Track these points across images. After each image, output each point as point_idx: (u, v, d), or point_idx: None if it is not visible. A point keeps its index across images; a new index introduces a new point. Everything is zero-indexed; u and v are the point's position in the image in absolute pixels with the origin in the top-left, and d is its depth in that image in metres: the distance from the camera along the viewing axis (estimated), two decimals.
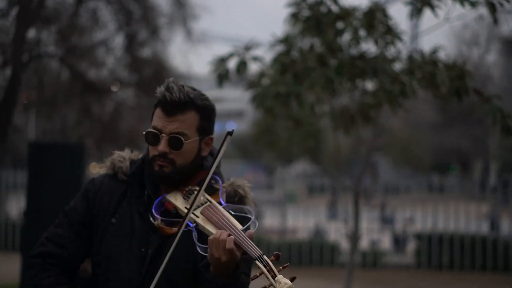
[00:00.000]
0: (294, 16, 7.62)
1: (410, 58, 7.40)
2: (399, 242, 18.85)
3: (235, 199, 2.97)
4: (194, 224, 2.82)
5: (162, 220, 2.89)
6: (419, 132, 42.91)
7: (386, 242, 17.87)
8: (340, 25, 7.35)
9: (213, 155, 3.02)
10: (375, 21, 7.33)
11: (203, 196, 2.87)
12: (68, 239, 2.99)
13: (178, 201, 2.91)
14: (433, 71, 7.15)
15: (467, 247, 15.91)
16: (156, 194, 2.97)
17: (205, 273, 2.76)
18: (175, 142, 2.93)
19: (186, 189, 2.93)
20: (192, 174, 2.98)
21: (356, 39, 7.47)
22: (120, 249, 2.92)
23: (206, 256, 2.76)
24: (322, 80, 7.29)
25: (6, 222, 18.11)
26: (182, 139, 2.93)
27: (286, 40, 7.76)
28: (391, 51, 7.54)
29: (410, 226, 19.31)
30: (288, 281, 2.58)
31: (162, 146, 2.94)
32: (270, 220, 17.99)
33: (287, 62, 7.50)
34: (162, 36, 24.42)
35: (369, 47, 7.61)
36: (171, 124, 2.95)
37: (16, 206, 20.70)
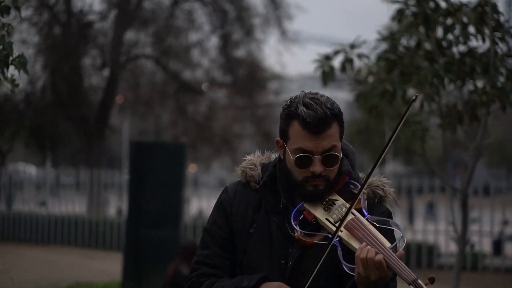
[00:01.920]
0: (401, 12, 7.46)
1: None
2: (499, 244, 18.43)
3: (375, 201, 2.88)
4: (338, 239, 2.71)
5: (302, 233, 2.80)
6: None
7: (484, 244, 17.47)
8: (449, 21, 7.17)
9: (350, 156, 2.95)
10: (486, 16, 7.12)
11: (345, 208, 2.77)
12: (217, 258, 2.94)
13: (317, 211, 2.81)
14: None
15: None
16: (292, 203, 2.88)
17: None
18: (332, 159, 2.82)
19: (326, 199, 2.83)
20: None
21: (465, 36, 7.27)
22: (261, 261, 2.87)
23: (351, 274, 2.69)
24: (431, 78, 7.13)
25: (104, 221, 18.40)
26: (338, 154, 2.84)
27: (392, 37, 7.62)
28: (502, 48, 7.32)
29: (507, 228, 18.85)
30: None
31: (318, 167, 2.81)
32: None
33: (393, 59, 7.35)
34: (257, 36, 24.54)
35: (478, 44, 7.40)
36: (322, 143, 2.82)
37: (113, 205, 21.06)
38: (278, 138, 2.93)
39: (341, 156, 2.88)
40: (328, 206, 2.82)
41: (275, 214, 2.89)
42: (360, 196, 2.79)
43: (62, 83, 21.71)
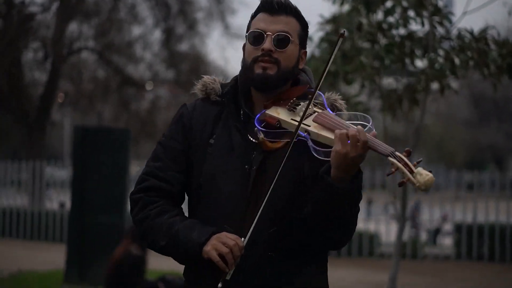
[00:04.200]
0: None
1: (460, 36, 7.36)
2: (434, 236, 18.86)
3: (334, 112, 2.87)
4: (306, 133, 2.72)
5: (266, 134, 2.78)
6: (452, 128, 42.67)
7: (423, 239, 17.85)
8: (389, 3, 7.35)
9: (307, 73, 2.96)
10: (425, 1, 7.32)
11: (310, 107, 2.78)
12: (169, 171, 2.89)
13: (281, 114, 2.81)
14: (484, 48, 7.11)
15: (508, 238, 15.79)
16: (252, 112, 2.88)
17: (327, 177, 2.67)
18: (282, 39, 2.85)
19: (291, 101, 2.83)
20: (287, 87, 2.90)
21: (405, 19, 7.47)
22: (223, 168, 2.83)
23: (313, 167, 2.73)
24: (372, 59, 7.31)
25: (47, 213, 18.30)
26: (289, 36, 2.86)
27: (334, 20, 7.78)
28: (440, 31, 7.54)
29: (445, 223, 19.30)
30: (429, 173, 2.50)
31: (268, 44, 2.83)
32: None
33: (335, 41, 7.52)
34: (200, 30, 24.60)
35: (418, 27, 7.60)
36: (276, 24, 2.87)
37: (56, 198, 20.94)
38: (243, 45, 2.95)
39: (298, 46, 2.89)
40: (293, 107, 2.82)
41: (237, 122, 2.87)
42: (323, 101, 2.84)
43: (2, 77, 21.44)
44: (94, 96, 24.35)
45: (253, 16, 2.94)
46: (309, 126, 2.72)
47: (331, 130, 2.68)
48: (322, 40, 7.61)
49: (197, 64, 24.46)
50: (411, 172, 2.51)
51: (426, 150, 42.87)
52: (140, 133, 24.80)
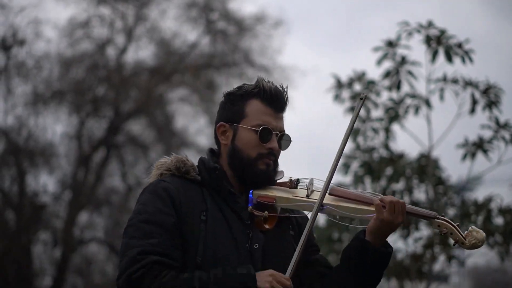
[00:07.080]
0: (346, 167, 7.79)
1: (464, 204, 7.43)
2: None
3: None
4: (322, 207, 2.80)
5: (268, 211, 2.84)
6: None
7: None
8: (390, 170, 7.48)
9: None
10: (427, 170, 7.44)
11: (317, 179, 2.89)
12: (169, 247, 2.69)
13: (276, 192, 2.87)
14: (488, 215, 7.15)
15: None
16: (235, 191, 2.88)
17: (368, 244, 2.73)
18: (287, 141, 2.92)
19: (291, 180, 2.91)
20: None
21: (409, 189, 7.58)
22: (225, 248, 2.76)
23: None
24: None
25: None
26: (291, 139, 2.94)
27: None
28: (443, 200, 7.62)
29: None
30: (481, 231, 2.70)
31: (276, 144, 2.88)
32: None
33: None
34: None
35: (422, 195, 7.68)
36: (280, 122, 2.92)
37: None
38: (222, 123, 2.93)
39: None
40: (295, 185, 2.91)
41: (231, 200, 2.84)
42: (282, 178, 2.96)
43: (11, 265, 21.38)
44: None
45: (247, 100, 2.92)
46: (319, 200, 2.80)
47: (355, 201, 2.81)
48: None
49: None
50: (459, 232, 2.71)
51: None
52: None
